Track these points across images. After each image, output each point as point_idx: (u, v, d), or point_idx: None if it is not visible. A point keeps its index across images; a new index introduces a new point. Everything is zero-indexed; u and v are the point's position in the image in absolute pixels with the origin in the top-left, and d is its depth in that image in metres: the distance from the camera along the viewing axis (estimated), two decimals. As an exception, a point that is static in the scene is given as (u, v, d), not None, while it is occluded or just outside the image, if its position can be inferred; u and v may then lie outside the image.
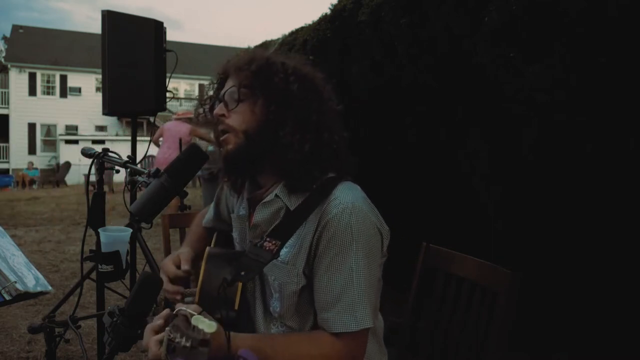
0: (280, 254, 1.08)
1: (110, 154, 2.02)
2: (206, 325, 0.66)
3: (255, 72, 1.08)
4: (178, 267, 1.23)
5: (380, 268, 1.13)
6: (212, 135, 1.22)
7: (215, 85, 1.19)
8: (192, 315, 0.75)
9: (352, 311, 1.00)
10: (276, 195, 1.10)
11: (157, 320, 0.91)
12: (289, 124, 1.06)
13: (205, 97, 1.21)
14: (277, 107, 1.06)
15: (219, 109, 1.11)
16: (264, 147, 1.08)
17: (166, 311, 0.93)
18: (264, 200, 1.12)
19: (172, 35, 2.93)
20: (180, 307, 0.84)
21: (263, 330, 1.13)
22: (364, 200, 1.08)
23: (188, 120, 6.64)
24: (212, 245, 1.29)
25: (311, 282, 1.06)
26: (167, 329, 0.70)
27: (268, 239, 1.09)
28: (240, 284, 1.09)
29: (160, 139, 6.31)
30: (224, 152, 1.11)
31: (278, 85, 1.07)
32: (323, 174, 1.09)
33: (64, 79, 24.45)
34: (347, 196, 1.05)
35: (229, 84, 1.13)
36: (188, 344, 0.65)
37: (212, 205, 1.40)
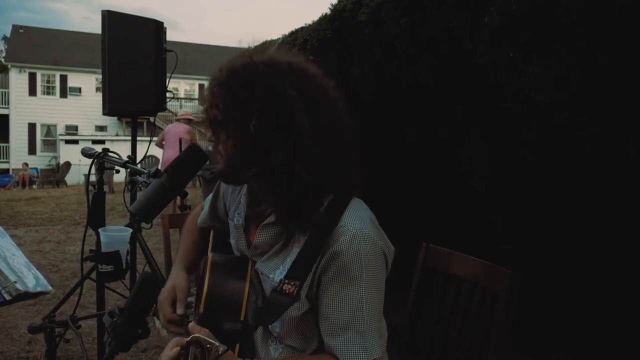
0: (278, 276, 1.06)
1: (110, 154, 2.03)
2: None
3: (220, 108, 1.03)
4: (174, 301, 1.20)
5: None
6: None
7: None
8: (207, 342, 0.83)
9: (362, 342, 0.99)
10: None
11: (174, 349, 0.91)
12: (253, 168, 1.01)
13: (204, 102, 1.20)
14: (241, 148, 1.02)
15: (209, 135, 1.09)
16: (244, 180, 1.07)
17: (179, 340, 0.92)
18: (265, 222, 1.09)
19: (168, 35, 2.93)
20: (193, 326, 0.90)
21: (260, 347, 1.11)
22: (371, 223, 1.04)
23: (188, 121, 6.79)
24: (210, 248, 1.27)
25: (315, 307, 1.04)
26: None
27: (286, 281, 1.03)
28: (245, 295, 1.08)
29: (163, 142, 6.49)
30: (217, 169, 1.11)
31: (238, 127, 1.01)
32: (316, 207, 1.02)
33: (64, 79, 24.44)
34: (355, 222, 1.01)
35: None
36: None
37: (208, 200, 1.36)
